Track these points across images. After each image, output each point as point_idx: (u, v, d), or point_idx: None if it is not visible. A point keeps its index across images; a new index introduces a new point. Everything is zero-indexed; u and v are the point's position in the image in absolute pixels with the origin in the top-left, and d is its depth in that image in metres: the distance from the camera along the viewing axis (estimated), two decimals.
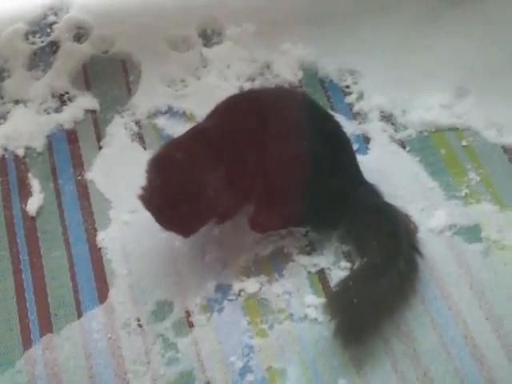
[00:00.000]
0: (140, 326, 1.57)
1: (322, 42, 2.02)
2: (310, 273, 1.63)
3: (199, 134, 1.58)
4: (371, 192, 1.67)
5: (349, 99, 1.93)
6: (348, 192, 1.63)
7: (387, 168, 1.78)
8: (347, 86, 1.95)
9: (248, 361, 1.51)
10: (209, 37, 2.08)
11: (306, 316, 1.56)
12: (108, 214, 1.74)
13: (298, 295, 1.59)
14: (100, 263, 1.67)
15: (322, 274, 1.62)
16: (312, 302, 1.57)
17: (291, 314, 1.57)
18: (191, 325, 1.57)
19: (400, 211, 1.64)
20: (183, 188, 1.47)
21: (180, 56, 2.04)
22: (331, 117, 1.66)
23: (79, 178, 1.81)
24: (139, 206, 1.61)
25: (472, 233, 1.66)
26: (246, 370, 1.50)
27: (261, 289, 1.61)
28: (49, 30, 2.14)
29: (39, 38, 2.12)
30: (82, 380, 1.50)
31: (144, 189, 1.51)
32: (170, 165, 1.51)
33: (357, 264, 1.59)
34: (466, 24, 2.04)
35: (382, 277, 1.51)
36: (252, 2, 2.14)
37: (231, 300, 1.60)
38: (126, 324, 1.57)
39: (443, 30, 2.03)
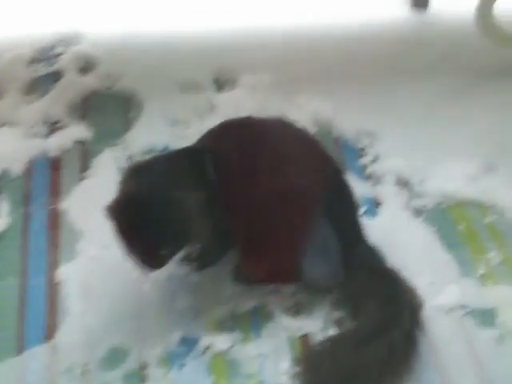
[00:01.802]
0: (85, 372, 1.39)
1: (341, 101, 1.93)
2: (291, 337, 1.45)
3: (186, 153, 1.45)
4: (372, 253, 1.50)
5: (363, 160, 1.80)
6: (346, 250, 1.46)
7: (396, 235, 1.63)
8: (363, 148, 1.84)
9: None
10: (221, 84, 2.01)
11: None
12: (75, 247, 1.60)
13: (273, 360, 1.41)
14: (55, 298, 1.52)
15: (305, 340, 1.43)
16: (289, 370, 1.38)
17: (262, 382, 1.38)
18: (144, 379, 1.39)
19: (404, 280, 1.46)
20: (154, 201, 1.32)
21: (187, 98, 1.97)
22: (333, 160, 1.51)
23: (53, 206, 1.70)
24: (111, 241, 1.46)
25: (486, 316, 1.47)
26: None
27: (232, 347, 1.43)
28: (54, 61, 2.09)
29: (43, 66, 2.07)
30: None
31: (114, 199, 1.36)
32: (147, 175, 1.37)
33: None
34: (499, 100, 1.94)
35: (369, 346, 1.32)
36: (272, 54, 2.08)
37: (195, 356, 1.41)
38: (69, 369, 1.40)
39: (475, 103, 1.95)
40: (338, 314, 1.49)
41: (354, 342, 1.36)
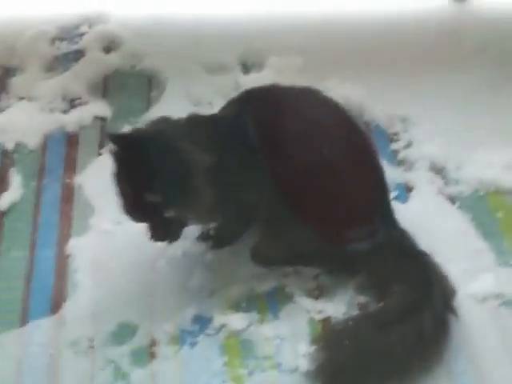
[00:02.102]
0: (91, 347, 1.31)
1: (373, 85, 1.85)
2: (312, 319, 1.36)
3: (202, 120, 1.38)
4: (403, 236, 1.41)
5: (395, 146, 1.73)
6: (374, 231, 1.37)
7: (428, 220, 1.54)
8: (395, 133, 1.76)
9: None
10: (249, 66, 1.94)
11: (296, 368, 1.28)
12: (88, 221, 1.54)
13: (291, 342, 1.33)
14: (64, 272, 1.45)
15: (326, 323, 1.34)
16: (308, 352, 1.29)
17: (279, 363, 1.29)
18: (153, 355, 1.31)
19: (436, 264, 1.37)
20: (156, 144, 1.24)
21: (212, 79, 1.91)
22: (364, 134, 1.43)
23: (67, 180, 1.65)
24: (125, 218, 1.40)
25: None
26: None
27: (248, 328, 1.34)
28: (77, 40, 2.04)
29: (66, 44, 2.03)
30: None
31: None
32: (162, 124, 1.31)
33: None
34: None
35: (396, 327, 1.23)
36: (302, 37, 2.01)
37: (209, 335, 1.34)
38: (74, 342, 1.33)
39: None
40: (362, 299, 1.40)
41: (378, 322, 1.27)
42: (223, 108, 1.42)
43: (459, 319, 1.34)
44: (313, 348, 1.26)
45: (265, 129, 1.36)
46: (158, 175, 1.23)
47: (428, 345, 1.27)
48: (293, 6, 2.10)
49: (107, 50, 2.01)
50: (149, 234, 1.33)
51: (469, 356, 1.31)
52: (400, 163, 1.69)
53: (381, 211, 1.41)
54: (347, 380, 1.24)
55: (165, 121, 1.34)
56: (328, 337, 1.28)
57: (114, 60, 1.98)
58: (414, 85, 1.88)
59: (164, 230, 1.35)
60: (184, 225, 1.40)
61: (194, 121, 1.36)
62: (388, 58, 1.97)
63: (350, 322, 1.28)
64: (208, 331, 1.34)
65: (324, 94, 1.43)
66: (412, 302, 1.29)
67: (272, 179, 1.35)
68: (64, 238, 1.52)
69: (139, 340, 1.33)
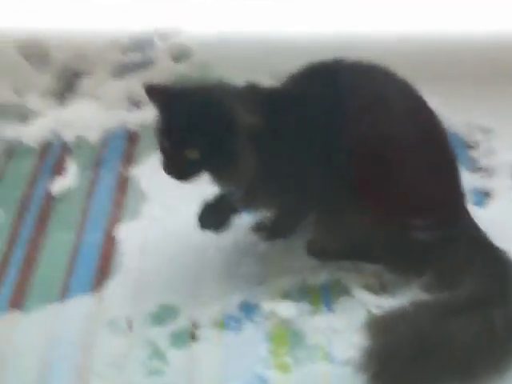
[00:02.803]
0: (129, 326, 1.25)
1: (451, 95, 1.78)
2: (370, 313, 1.25)
3: (261, 90, 1.32)
4: (477, 230, 1.31)
5: (474, 154, 1.64)
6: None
7: (507, 226, 1.42)
8: (475, 142, 1.67)
9: None
10: None
11: (350, 360, 1.18)
12: (140, 208, 1.51)
13: (345, 335, 1.23)
14: (110, 254, 1.42)
15: None
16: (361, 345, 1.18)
17: (330, 355, 1.20)
18: (194, 338, 1.24)
19: None
20: (201, 98, 1.20)
21: None
22: (439, 120, 1.34)
23: (123, 172, 1.62)
24: (177, 206, 1.46)
25: None
26: None
27: (298, 317, 1.26)
28: (149, 51, 2.06)
29: (137, 55, 2.05)
30: (30, 366, 1.18)
31: None
32: (195, 93, 1.24)
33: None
34: None
35: (460, 317, 1.13)
36: (377, 53, 1.96)
37: (255, 322, 1.26)
38: (112, 321, 1.28)
39: None
40: (427, 297, 1.28)
41: (442, 310, 1.15)
42: (285, 82, 1.36)
43: None
44: (364, 333, 1.14)
45: (333, 105, 1.28)
46: (196, 130, 1.18)
47: (496, 341, 1.14)
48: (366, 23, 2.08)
49: (177, 60, 2.02)
50: (197, 222, 1.29)
51: None
52: (478, 170, 1.60)
53: (453, 200, 1.31)
54: (400, 372, 1.11)
55: (218, 84, 1.29)
56: (382, 321, 1.17)
57: (183, 69, 1.98)
58: (495, 97, 1.81)
59: (212, 218, 1.30)
60: (235, 211, 1.34)
61: (252, 89, 1.31)
62: (468, 72, 1.91)
63: (409, 308, 1.16)
64: (254, 318, 1.27)
65: (394, 72, 1.35)
66: (483, 295, 1.17)
67: (336, 162, 1.28)
68: (113, 223, 1.49)
69: (180, 322, 1.27)
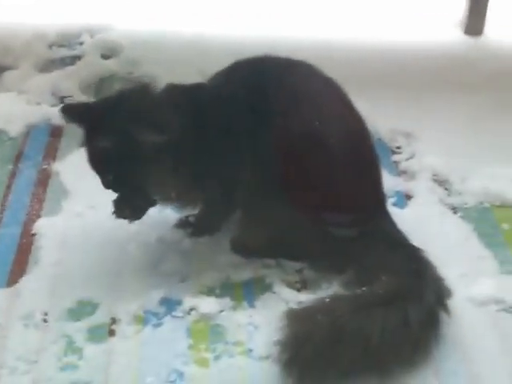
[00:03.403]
0: (45, 321, 1.24)
1: (376, 100, 1.81)
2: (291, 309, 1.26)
3: (177, 91, 1.32)
4: (395, 229, 1.33)
5: (396, 158, 1.68)
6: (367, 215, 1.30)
7: (428, 226, 1.48)
8: (398, 147, 1.72)
9: None
10: None
11: (269, 355, 1.18)
12: (61, 204, 1.49)
13: (266, 330, 1.23)
14: (27, 248, 1.39)
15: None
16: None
17: (250, 350, 1.20)
18: (112, 333, 1.22)
19: (431, 261, 1.29)
20: (107, 140, 1.23)
21: None
22: (362, 117, 1.37)
23: (45, 167, 1.60)
24: (99, 203, 1.43)
25: None
26: None
27: (220, 313, 1.25)
28: (76, 47, 2.04)
29: (64, 50, 2.03)
30: None
31: None
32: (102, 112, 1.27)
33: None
34: None
35: (377, 311, 1.14)
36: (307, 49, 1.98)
37: (176, 317, 1.25)
38: (27, 315, 1.25)
39: None
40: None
41: (359, 303, 1.17)
42: (212, 78, 1.37)
43: (453, 319, 1.24)
44: (281, 323, 1.14)
45: (258, 101, 1.29)
46: (104, 158, 1.23)
47: (414, 335, 1.16)
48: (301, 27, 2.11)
49: (106, 57, 2.01)
50: (112, 209, 1.29)
51: (462, 357, 1.21)
52: (401, 173, 1.63)
53: (373, 199, 1.33)
54: (313, 360, 1.12)
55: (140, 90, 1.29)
56: (299, 312, 1.18)
57: (111, 65, 1.97)
58: (420, 104, 1.86)
59: (127, 207, 1.29)
60: (150, 204, 1.33)
61: (173, 89, 1.31)
62: (396, 81, 1.96)
63: (327, 301, 1.17)
64: (175, 313, 1.26)
65: (318, 69, 1.37)
66: (399, 291, 1.19)
67: (259, 159, 1.29)
68: (32, 218, 1.46)
69: (98, 318, 1.25)
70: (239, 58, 1.37)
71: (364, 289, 1.21)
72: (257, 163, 1.29)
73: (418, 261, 1.28)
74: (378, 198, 1.35)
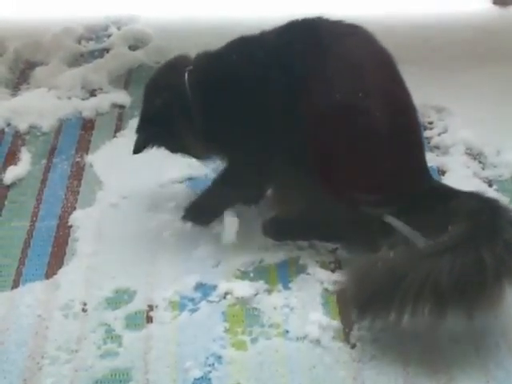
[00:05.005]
0: (84, 310, 1.26)
1: (404, 75, 1.79)
2: (326, 290, 1.28)
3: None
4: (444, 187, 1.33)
5: (429, 133, 1.67)
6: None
7: None
8: (430, 122, 1.71)
9: (209, 372, 1.16)
10: None
11: (305, 336, 1.20)
12: (95, 195, 1.52)
13: (301, 312, 1.25)
14: (63, 240, 1.42)
15: (342, 295, 1.25)
16: (319, 321, 1.21)
17: (286, 331, 1.22)
18: (149, 320, 1.25)
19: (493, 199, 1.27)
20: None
21: None
22: (407, 91, 1.35)
23: (78, 159, 1.63)
24: (133, 192, 1.47)
25: None
26: (202, 381, 1.14)
27: (255, 296, 1.27)
28: (105, 40, 2.06)
29: (92, 43, 2.05)
30: None
31: None
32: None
33: None
34: None
35: (446, 255, 1.12)
36: None
37: (211, 302, 1.27)
38: (66, 305, 1.28)
39: None
40: None
41: (424, 252, 1.14)
42: (266, 33, 1.35)
43: None
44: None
45: (301, 63, 1.27)
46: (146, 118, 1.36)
47: (488, 278, 1.11)
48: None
49: (134, 48, 2.03)
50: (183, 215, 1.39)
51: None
52: (433, 149, 1.62)
53: (417, 176, 1.31)
54: (377, 303, 1.13)
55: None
56: (361, 262, 1.19)
57: (139, 56, 1.99)
58: (449, 78, 1.84)
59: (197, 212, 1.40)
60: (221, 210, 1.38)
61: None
62: (424, 55, 1.94)
63: (391, 253, 1.16)
64: (210, 298, 1.28)
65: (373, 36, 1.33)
66: (471, 232, 1.15)
67: (294, 132, 1.27)
68: (68, 210, 1.49)
69: (136, 305, 1.28)
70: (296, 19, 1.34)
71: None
72: (292, 134, 1.27)
73: (483, 202, 1.24)
74: (422, 175, 1.33)
